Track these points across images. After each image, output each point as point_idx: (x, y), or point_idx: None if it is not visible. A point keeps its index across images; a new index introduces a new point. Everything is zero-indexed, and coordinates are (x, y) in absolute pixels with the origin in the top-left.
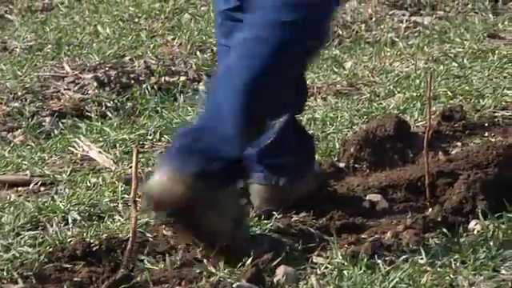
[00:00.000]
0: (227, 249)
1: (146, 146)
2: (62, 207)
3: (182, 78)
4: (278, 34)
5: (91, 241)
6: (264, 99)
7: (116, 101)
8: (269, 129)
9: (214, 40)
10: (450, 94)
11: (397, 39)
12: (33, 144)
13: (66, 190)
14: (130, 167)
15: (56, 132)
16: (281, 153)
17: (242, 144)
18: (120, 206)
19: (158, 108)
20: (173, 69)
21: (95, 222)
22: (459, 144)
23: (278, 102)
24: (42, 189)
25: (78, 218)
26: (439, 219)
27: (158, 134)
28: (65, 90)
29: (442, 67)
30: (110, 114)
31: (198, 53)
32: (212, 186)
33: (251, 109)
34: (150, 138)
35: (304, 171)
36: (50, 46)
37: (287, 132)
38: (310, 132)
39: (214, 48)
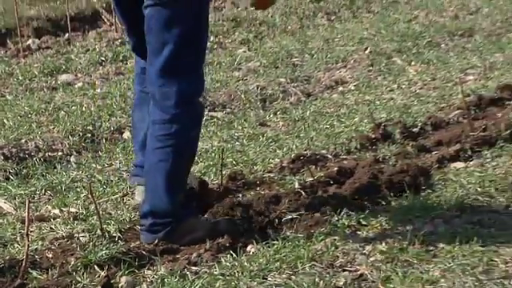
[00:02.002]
0: None
1: (36, 198)
2: None
3: (60, 153)
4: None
5: None
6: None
7: (16, 168)
8: None
9: (81, 127)
10: (234, 162)
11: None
12: None
13: None
14: (25, 212)
15: None
16: None
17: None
18: (18, 237)
19: (44, 173)
20: (53, 147)
21: (1, 249)
22: (240, 195)
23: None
24: None
25: None
26: (227, 244)
27: (44, 190)
28: None
29: (229, 145)
30: (12, 177)
31: (69, 136)
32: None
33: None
34: (38, 193)
35: None
36: None
37: None
38: None
39: (81, 133)
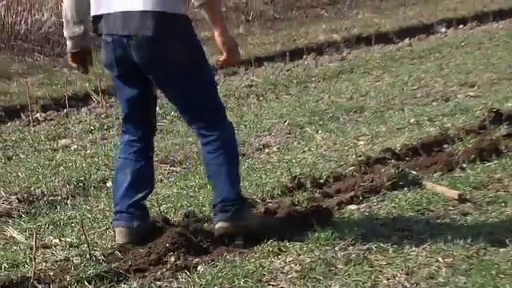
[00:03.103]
0: None
1: (41, 231)
2: None
3: (59, 198)
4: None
5: None
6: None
7: (26, 209)
8: None
9: (76, 178)
10: (188, 204)
11: None
12: None
13: None
14: (33, 241)
15: None
16: None
17: None
18: (27, 260)
19: (47, 212)
20: (54, 193)
21: (14, 268)
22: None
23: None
24: None
25: None
26: (183, 265)
27: (47, 225)
28: None
29: (184, 192)
30: (23, 215)
31: (67, 185)
32: None
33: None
34: (43, 227)
35: None
36: None
37: None
38: None
39: (75, 183)
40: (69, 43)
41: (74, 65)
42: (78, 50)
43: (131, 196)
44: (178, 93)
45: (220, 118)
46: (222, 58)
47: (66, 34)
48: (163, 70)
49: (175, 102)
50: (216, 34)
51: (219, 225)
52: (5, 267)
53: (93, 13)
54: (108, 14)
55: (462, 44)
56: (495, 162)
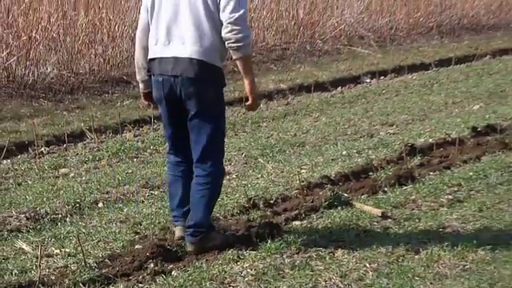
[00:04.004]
0: None
1: (45, 243)
2: None
3: (60, 216)
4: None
5: None
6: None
7: (33, 225)
8: None
9: (73, 200)
10: (164, 221)
11: None
12: None
13: None
14: (38, 251)
15: None
16: None
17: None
18: (34, 267)
19: (50, 228)
20: (56, 212)
21: (23, 274)
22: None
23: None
24: None
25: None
26: (160, 271)
27: (50, 238)
28: None
29: (161, 211)
30: (30, 231)
31: (66, 206)
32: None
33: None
34: (47, 240)
35: None
36: None
37: None
38: None
39: (73, 204)
40: (141, 85)
41: (146, 102)
42: (149, 90)
43: (184, 205)
44: (204, 126)
45: (219, 160)
46: (248, 102)
47: (138, 77)
48: (198, 104)
49: (195, 134)
50: (246, 82)
51: (189, 246)
52: (15, 273)
53: (149, 57)
54: (161, 58)
55: (383, 92)
56: (410, 186)
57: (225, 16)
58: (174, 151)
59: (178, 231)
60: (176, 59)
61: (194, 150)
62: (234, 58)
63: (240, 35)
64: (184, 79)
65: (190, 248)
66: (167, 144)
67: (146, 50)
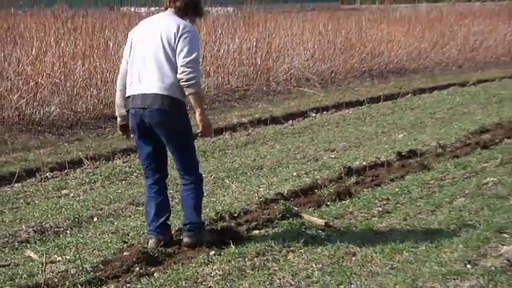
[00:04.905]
0: None
1: (49, 252)
2: None
3: (61, 229)
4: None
5: None
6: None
7: (39, 237)
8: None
9: (72, 216)
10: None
11: None
12: None
13: None
14: (43, 259)
15: None
16: None
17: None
18: (40, 272)
19: (54, 239)
20: (58, 226)
21: (31, 277)
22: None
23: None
24: None
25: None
26: (145, 273)
27: (54, 248)
28: None
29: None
30: (37, 242)
31: (66, 220)
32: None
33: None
34: (51, 249)
35: None
36: None
37: None
38: None
39: (72, 219)
40: (118, 119)
41: (121, 133)
42: (124, 123)
43: (157, 220)
44: (175, 147)
45: (196, 169)
46: (199, 130)
47: (117, 113)
48: (166, 131)
49: (172, 153)
50: (197, 113)
51: (186, 239)
52: (24, 277)
53: (126, 95)
54: (134, 95)
55: (326, 124)
56: (348, 200)
57: (179, 60)
58: (147, 174)
59: (151, 243)
60: (144, 95)
61: (176, 166)
62: (186, 93)
63: (190, 75)
64: (152, 110)
65: (186, 242)
66: (144, 171)
67: (122, 91)
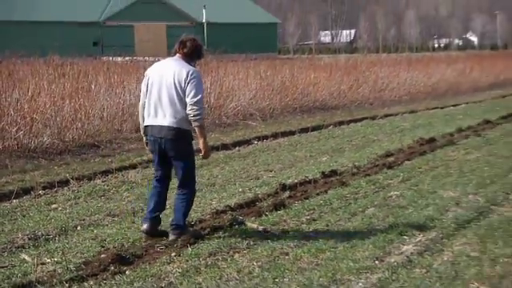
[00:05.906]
0: None
1: (40, 255)
2: None
3: (51, 236)
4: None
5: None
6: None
7: (33, 243)
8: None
9: (59, 227)
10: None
11: None
12: None
13: None
14: (36, 261)
15: None
16: None
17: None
18: (32, 271)
19: (45, 245)
20: (49, 234)
21: (24, 276)
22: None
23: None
24: None
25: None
26: (119, 271)
27: (45, 252)
28: None
29: (133, 228)
30: (32, 247)
31: (55, 229)
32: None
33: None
34: (41, 254)
35: None
36: None
37: None
38: None
39: (63, 229)
40: (144, 138)
41: (148, 147)
42: (147, 141)
43: (153, 212)
44: (179, 166)
45: (192, 185)
46: (201, 154)
47: (141, 131)
48: (174, 153)
49: (177, 170)
50: (200, 141)
51: (171, 237)
52: (19, 276)
53: (145, 124)
54: (152, 125)
55: (265, 149)
56: (283, 211)
57: (188, 99)
58: (156, 179)
59: (146, 226)
60: (161, 127)
61: (178, 178)
62: (193, 125)
63: (196, 112)
64: (166, 139)
65: (172, 239)
66: (155, 173)
67: (143, 118)
